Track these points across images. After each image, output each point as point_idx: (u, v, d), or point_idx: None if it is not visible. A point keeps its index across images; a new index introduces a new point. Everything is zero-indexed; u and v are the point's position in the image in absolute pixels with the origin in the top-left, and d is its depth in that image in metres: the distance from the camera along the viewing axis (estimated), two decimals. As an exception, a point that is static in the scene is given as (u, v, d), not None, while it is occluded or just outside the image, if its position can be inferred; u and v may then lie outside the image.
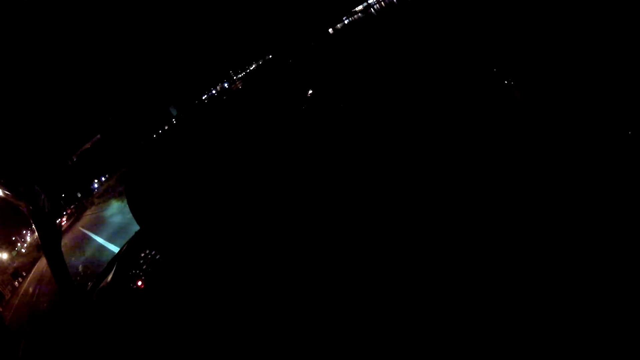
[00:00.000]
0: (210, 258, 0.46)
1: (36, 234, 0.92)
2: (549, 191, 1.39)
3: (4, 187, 0.74)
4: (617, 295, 1.07)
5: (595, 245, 1.22)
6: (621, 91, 1.22)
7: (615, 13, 1.40)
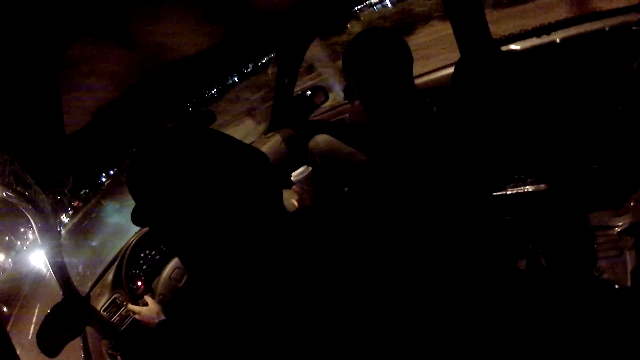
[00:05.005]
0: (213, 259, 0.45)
1: (36, 234, 0.92)
2: (549, 190, 1.38)
3: (4, 187, 0.73)
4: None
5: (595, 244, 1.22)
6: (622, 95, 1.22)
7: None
